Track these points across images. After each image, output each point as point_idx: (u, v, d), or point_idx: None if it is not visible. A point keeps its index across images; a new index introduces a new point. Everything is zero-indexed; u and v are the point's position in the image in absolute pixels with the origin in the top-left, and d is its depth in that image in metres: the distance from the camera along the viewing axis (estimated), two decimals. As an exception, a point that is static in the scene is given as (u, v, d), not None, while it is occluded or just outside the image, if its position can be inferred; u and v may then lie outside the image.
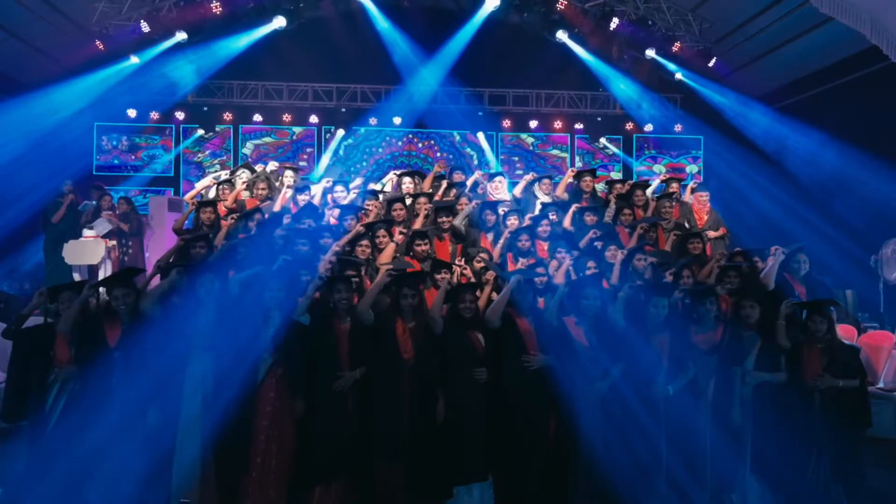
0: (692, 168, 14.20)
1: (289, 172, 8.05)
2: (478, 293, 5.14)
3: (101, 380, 4.43)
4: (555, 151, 14.68)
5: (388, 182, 8.52)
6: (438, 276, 5.39)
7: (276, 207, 7.27)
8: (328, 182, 7.96)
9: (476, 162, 14.18)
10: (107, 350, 4.49)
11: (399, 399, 4.68)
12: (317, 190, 7.72)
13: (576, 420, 4.65)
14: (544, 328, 4.82)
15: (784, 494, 4.67)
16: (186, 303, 4.78)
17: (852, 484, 4.73)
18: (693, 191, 8.60)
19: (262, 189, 7.62)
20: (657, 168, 14.25)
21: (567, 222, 7.09)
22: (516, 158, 14.57)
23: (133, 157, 13.61)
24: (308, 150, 14.14)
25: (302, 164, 13.63)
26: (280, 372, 4.66)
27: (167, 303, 4.77)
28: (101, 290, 4.97)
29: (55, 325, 4.68)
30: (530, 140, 14.64)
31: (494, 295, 5.17)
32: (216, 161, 13.77)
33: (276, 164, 8.66)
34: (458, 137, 14.35)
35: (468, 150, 14.39)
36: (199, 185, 8.00)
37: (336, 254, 5.64)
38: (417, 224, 6.73)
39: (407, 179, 7.93)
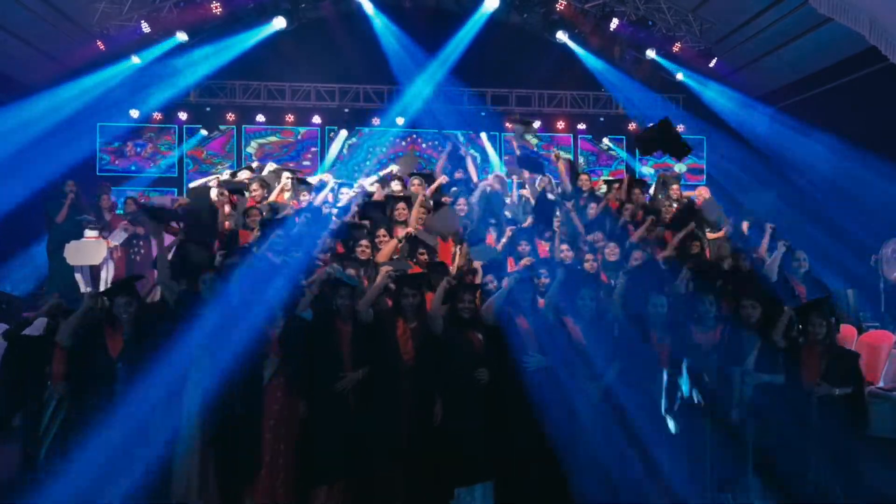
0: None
1: (285, 174, 8.05)
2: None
3: (102, 392, 4.39)
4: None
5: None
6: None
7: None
8: (331, 181, 7.97)
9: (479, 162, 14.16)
10: (108, 361, 4.45)
11: (399, 400, 4.69)
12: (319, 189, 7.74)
13: (575, 420, 4.67)
14: (544, 328, 4.82)
15: (784, 494, 4.67)
16: (189, 303, 4.79)
17: (851, 484, 4.74)
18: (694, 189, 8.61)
19: (256, 191, 7.62)
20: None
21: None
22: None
23: (136, 157, 13.62)
24: (311, 150, 14.13)
25: (306, 163, 13.63)
26: (287, 371, 4.67)
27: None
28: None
29: (54, 340, 4.58)
30: (534, 140, 14.60)
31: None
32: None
33: (274, 164, 8.64)
34: (462, 140, 14.30)
35: (472, 150, 14.36)
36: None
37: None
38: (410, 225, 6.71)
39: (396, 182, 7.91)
